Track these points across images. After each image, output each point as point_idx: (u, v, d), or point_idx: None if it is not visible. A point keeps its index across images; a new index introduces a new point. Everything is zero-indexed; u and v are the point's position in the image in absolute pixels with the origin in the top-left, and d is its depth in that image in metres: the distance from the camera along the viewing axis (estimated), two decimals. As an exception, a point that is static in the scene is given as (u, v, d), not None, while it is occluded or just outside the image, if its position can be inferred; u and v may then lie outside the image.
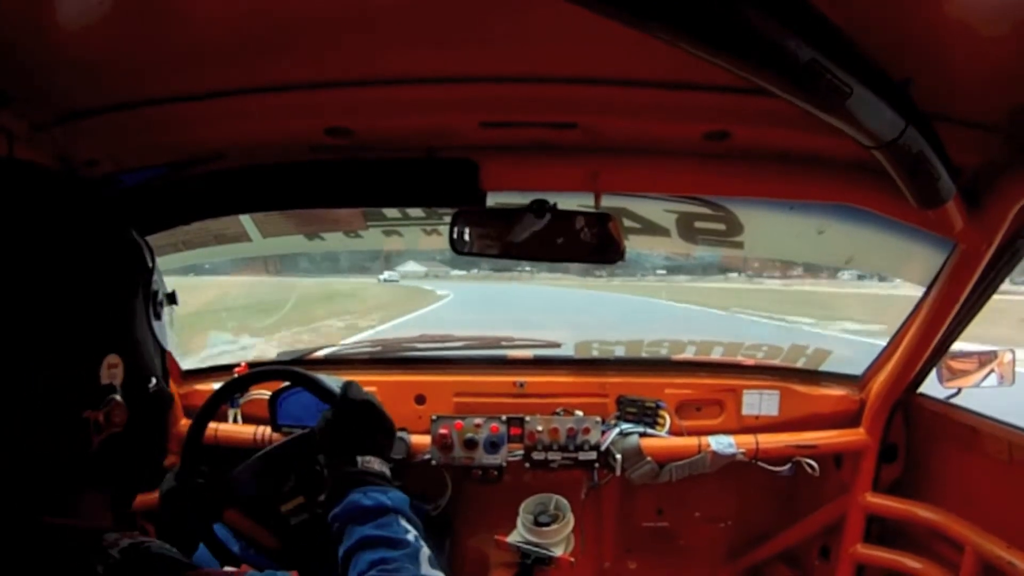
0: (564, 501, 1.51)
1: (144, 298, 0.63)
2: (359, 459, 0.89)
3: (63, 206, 0.57)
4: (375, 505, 0.82)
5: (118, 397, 0.57)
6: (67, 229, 0.56)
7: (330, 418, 0.96)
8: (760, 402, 1.74)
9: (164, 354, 0.67)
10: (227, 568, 0.57)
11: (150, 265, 0.65)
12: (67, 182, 0.59)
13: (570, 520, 1.52)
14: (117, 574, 0.51)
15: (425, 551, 0.79)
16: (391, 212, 1.67)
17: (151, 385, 0.63)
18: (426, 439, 1.61)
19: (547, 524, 1.51)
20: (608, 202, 1.24)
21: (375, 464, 0.89)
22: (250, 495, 1.02)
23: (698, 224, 1.58)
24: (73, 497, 0.57)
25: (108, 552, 0.52)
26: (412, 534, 0.81)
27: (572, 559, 1.51)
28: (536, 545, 1.52)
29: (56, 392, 0.53)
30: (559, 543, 1.52)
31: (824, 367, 1.85)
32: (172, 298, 0.69)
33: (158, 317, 0.65)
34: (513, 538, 1.52)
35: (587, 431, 1.61)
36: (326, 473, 0.95)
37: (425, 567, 0.76)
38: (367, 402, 0.97)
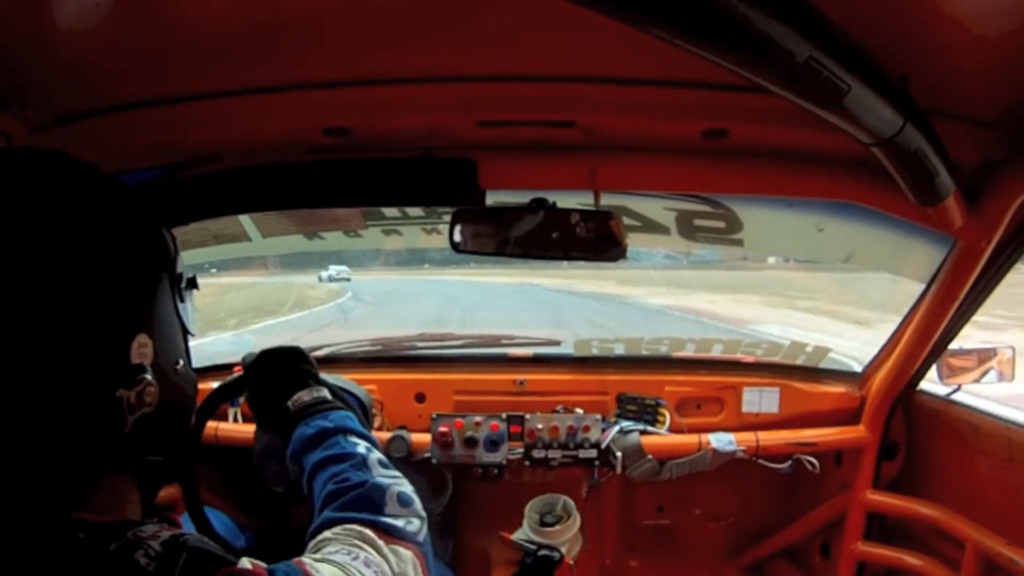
0: (571, 502, 1.51)
1: (170, 281, 0.65)
2: (288, 403, 0.88)
3: (92, 192, 0.59)
4: (317, 431, 0.82)
5: (149, 376, 0.58)
6: (95, 213, 0.58)
7: (245, 387, 0.95)
8: (760, 399, 1.75)
9: (187, 337, 0.69)
10: (247, 563, 0.56)
11: (173, 250, 0.67)
12: (94, 172, 0.61)
13: (576, 521, 1.52)
14: (160, 566, 0.51)
15: (374, 456, 0.78)
16: (390, 211, 1.67)
17: (178, 367, 0.65)
18: (426, 437, 1.61)
19: (552, 524, 1.51)
20: (607, 200, 1.24)
21: (305, 396, 0.88)
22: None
23: (697, 222, 1.58)
24: (101, 486, 0.58)
25: (149, 544, 0.52)
26: (362, 446, 0.80)
27: (572, 561, 1.51)
28: (539, 545, 1.52)
29: (89, 371, 0.54)
30: (563, 544, 1.52)
31: (824, 364, 1.85)
32: (193, 283, 0.70)
33: (182, 300, 0.67)
34: (517, 536, 1.52)
35: (587, 429, 1.61)
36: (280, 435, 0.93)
37: (376, 470, 0.76)
38: (263, 352, 0.95)
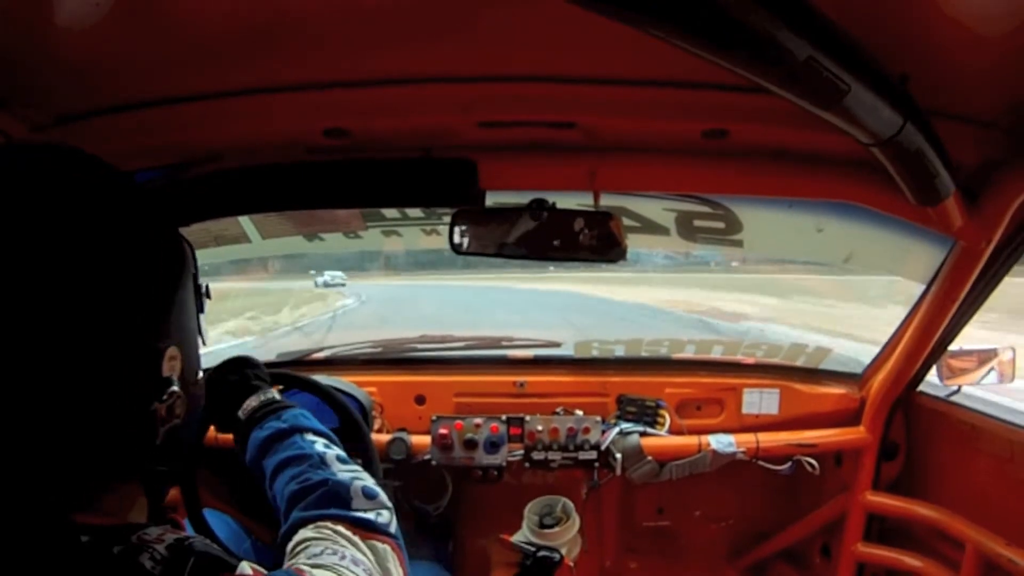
0: (571, 504, 1.51)
1: (194, 291, 0.65)
2: (239, 413, 0.89)
3: (127, 204, 0.58)
4: (272, 432, 0.83)
5: (176, 388, 0.58)
6: (132, 224, 0.58)
7: (209, 414, 0.95)
8: (760, 401, 1.75)
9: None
10: (248, 568, 0.56)
11: (194, 259, 0.67)
12: (126, 177, 0.60)
13: (575, 523, 1.52)
14: (166, 570, 0.51)
15: (332, 453, 0.78)
16: (390, 212, 1.66)
17: (198, 378, 0.65)
18: (426, 439, 1.61)
19: (551, 526, 1.51)
20: (607, 201, 1.24)
21: (253, 402, 0.89)
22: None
23: (697, 223, 1.58)
24: (109, 490, 0.58)
25: (154, 548, 0.52)
26: (319, 444, 0.80)
27: (571, 563, 1.51)
28: (538, 547, 1.52)
29: (127, 387, 0.54)
30: (562, 545, 1.52)
31: (824, 365, 1.85)
32: (207, 292, 0.70)
33: (202, 310, 0.67)
34: (517, 538, 1.52)
35: (587, 431, 1.61)
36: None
37: (336, 467, 0.76)
38: (209, 371, 0.94)
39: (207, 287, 0.69)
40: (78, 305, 0.51)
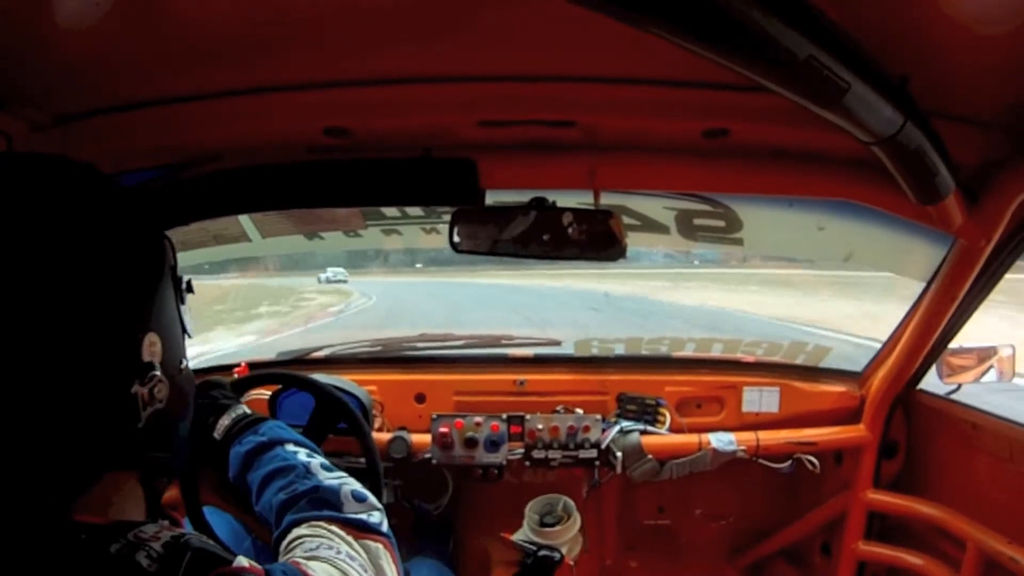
0: (571, 502, 1.52)
1: (173, 284, 0.66)
2: (214, 434, 0.91)
3: (102, 197, 0.60)
4: (252, 446, 0.84)
5: (158, 373, 0.59)
6: (109, 219, 0.59)
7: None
8: (760, 399, 1.75)
9: (185, 339, 0.70)
10: (245, 562, 0.57)
11: (173, 253, 0.68)
12: (99, 176, 0.62)
13: (576, 521, 1.52)
14: (162, 567, 0.52)
15: (316, 462, 0.80)
16: (390, 211, 1.67)
17: (182, 367, 0.66)
18: (426, 438, 1.61)
19: (552, 525, 1.51)
20: (607, 200, 1.24)
21: (225, 420, 0.91)
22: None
23: (697, 221, 1.58)
24: (105, 485, 0.58)
25: (151, 546, 0.53)
26: (302, 454, 0.82)
27: (572, 562, 1.51)
28: (539, 546, 1.52)
29: (106, 368, 0.56)
30: (563, 544, 1.52)
31: (824, 364, 1.85)
32: (189, 287, 0.71)
33: (183, 302, 0.68)
34: (517, 537, 1.52)
35: (587, 429, 1.61)
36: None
37: (321, 475, 0.78)
38: None
39: (189, 282, 0.70)
40: (56, 296, 0.53)
